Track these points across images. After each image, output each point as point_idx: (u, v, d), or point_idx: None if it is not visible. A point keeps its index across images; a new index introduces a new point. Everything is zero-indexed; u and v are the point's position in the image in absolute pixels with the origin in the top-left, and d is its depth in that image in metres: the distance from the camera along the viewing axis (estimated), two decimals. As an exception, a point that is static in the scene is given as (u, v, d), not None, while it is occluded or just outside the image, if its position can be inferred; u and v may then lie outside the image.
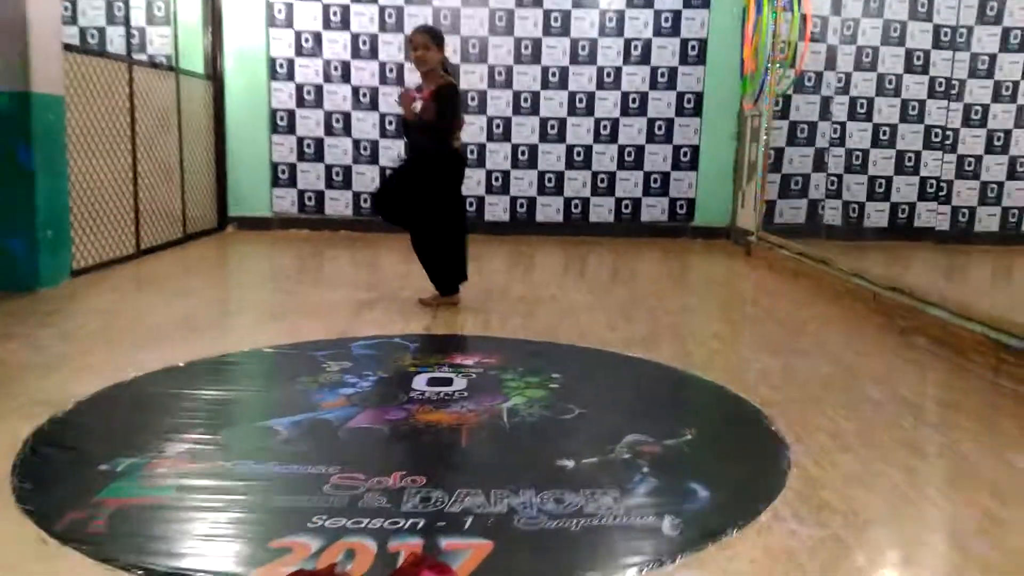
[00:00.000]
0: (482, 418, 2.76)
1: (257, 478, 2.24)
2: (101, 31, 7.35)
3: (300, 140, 7.59)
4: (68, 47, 4.92)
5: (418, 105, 4.24)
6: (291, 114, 7.55)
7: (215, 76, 7.40)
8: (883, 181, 7.34)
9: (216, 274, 5.86)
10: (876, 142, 7.27)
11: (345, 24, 7.43)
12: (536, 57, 7.46)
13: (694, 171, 7.66)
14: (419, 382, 3.14)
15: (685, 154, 7.63)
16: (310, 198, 7.69)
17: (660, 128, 7.58)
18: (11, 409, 2.74)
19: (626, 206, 7.71)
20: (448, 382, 3.15)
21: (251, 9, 7.38)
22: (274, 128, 7.54)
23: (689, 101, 7.54)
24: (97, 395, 2.91)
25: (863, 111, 7.19)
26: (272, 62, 7.48)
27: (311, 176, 7.64)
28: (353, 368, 3.31)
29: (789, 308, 4.85)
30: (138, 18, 7.31)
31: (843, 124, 7.23)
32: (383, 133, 7.57)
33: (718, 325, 4.64)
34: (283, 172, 7.66)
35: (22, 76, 4.39)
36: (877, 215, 7.43)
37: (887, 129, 7.23)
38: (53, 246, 4.70)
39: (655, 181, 7.67)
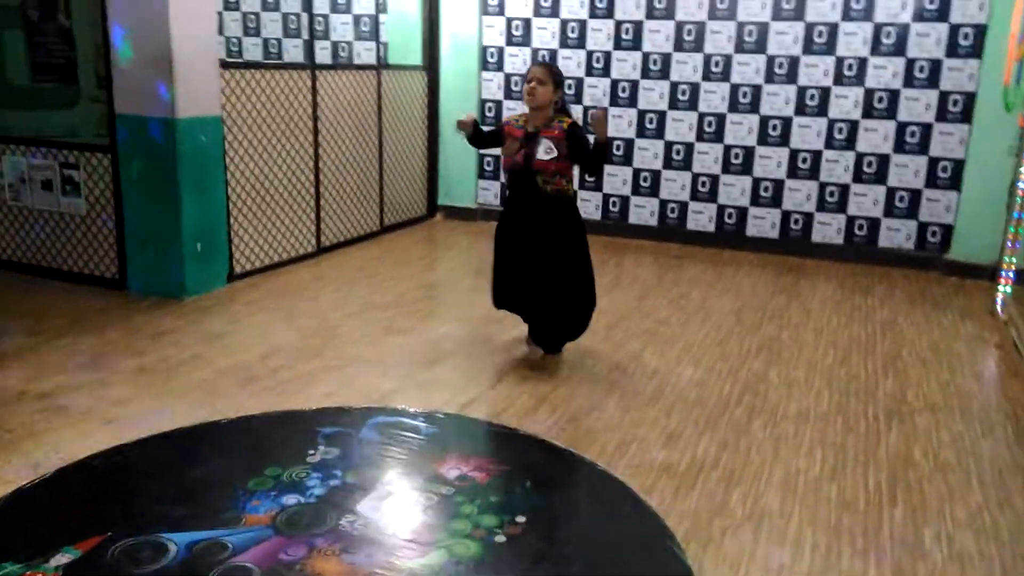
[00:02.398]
0: (367, 584, 2.42)
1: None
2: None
3: (506, 132, 7.38)
4: (227, 64, 5.20)
5: (550, 148, 3.98)
6: (498, 104, 7.36)
7: (431, 67, 7.44)
8: None
9: (359, 286, 5.59)
10: None
11: (555, 11, 6.97)
12: (761, 45, 6.36)
13: (955, 191, 6.07)
14: (368, 501, 2.87)
15: (945, 169, 6.07)
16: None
17: (913, 135, 6.09)
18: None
19: (860, 227, 6.39)
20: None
21: (465, -3, 7.26)
22: (483, 119, 7.41)
23: (956, 103, 5.93)
24: (67, 468, 3.02)
25: None
26: (484, 51, 7.31)
27: (514, 169, 7.42)
28: (332, 462, 3.12)
29: (961, 469, 3.59)
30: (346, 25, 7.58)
31: None
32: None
33: (831, 476, 3.55)
34: (488, 164, 7.55)
35: (168, 105, 4.73)
36: None
37: None
38: (203, 257, 5.09)
39: (901, 200, 6.23)
